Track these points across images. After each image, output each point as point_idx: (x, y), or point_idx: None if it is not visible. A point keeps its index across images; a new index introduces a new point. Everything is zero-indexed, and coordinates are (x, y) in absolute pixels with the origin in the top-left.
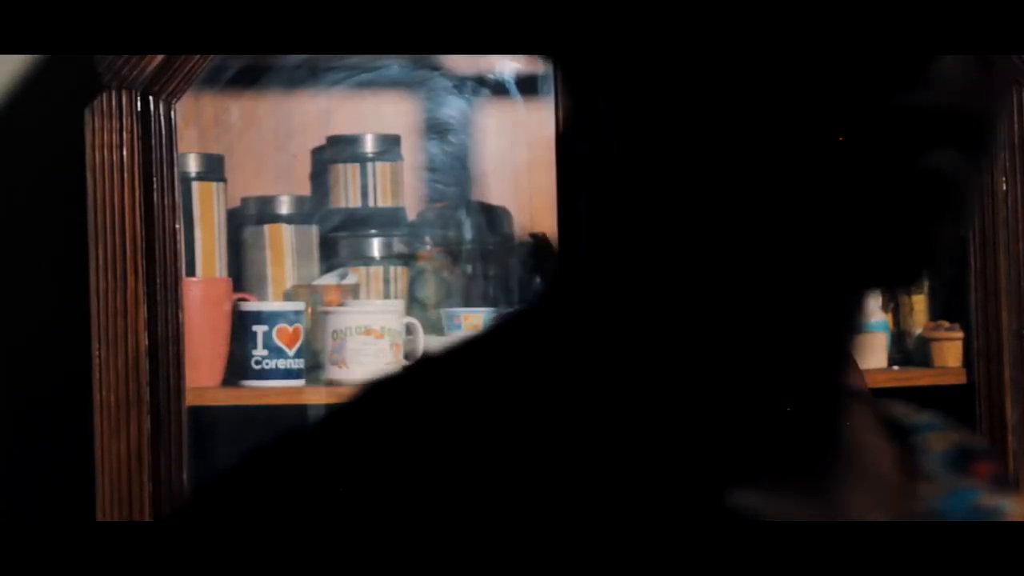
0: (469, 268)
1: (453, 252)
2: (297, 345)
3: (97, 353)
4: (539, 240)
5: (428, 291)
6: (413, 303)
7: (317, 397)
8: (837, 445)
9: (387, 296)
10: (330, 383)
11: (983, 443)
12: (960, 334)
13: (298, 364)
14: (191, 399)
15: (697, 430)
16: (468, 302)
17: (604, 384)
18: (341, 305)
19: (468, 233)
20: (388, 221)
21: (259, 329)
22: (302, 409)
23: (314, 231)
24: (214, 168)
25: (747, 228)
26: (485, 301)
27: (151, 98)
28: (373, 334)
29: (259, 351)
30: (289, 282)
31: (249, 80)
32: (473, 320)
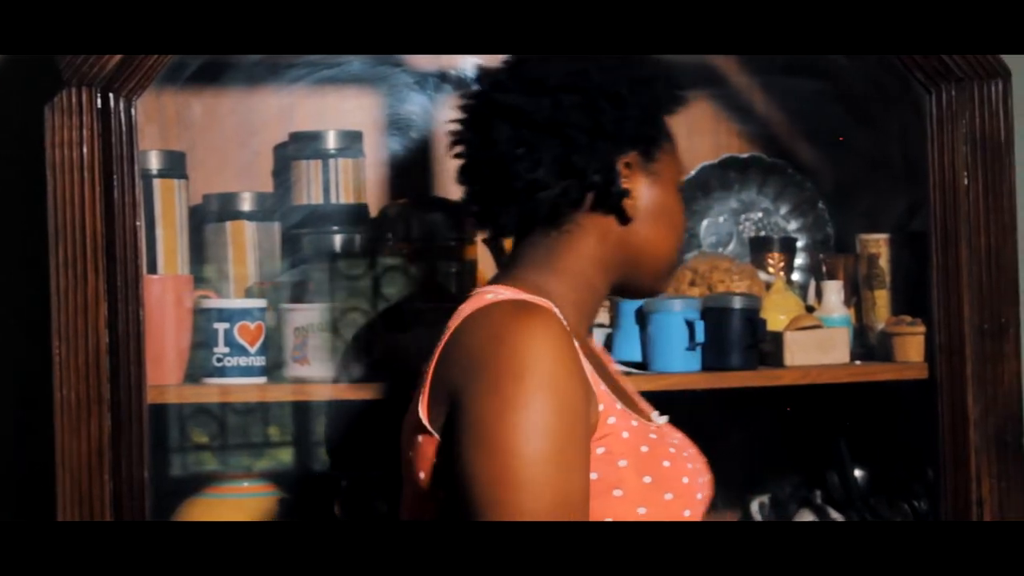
0: (433, 264)
1: (417, 248)
2: (259, 342)
3: (57, 351)
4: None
5: (394, 287)
6: (379, 300)
7: (279, 394)
8: None
9: (349, 293)
10: (292, 380)
11: None
12: (922, 329)
13: (260, 361)
14: (152, 397)
15: None
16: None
17: None
18: (303, 302)
19: (431, 229)
20: (350, 218)
21: (221, 326)
22: (264, 407)
23: (276, 228)
24: (176, 165)
25: None
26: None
27: (111, 95)
28: (335, 331)
29: (221, 348)
30: (251, 279)
31: (210, 77)
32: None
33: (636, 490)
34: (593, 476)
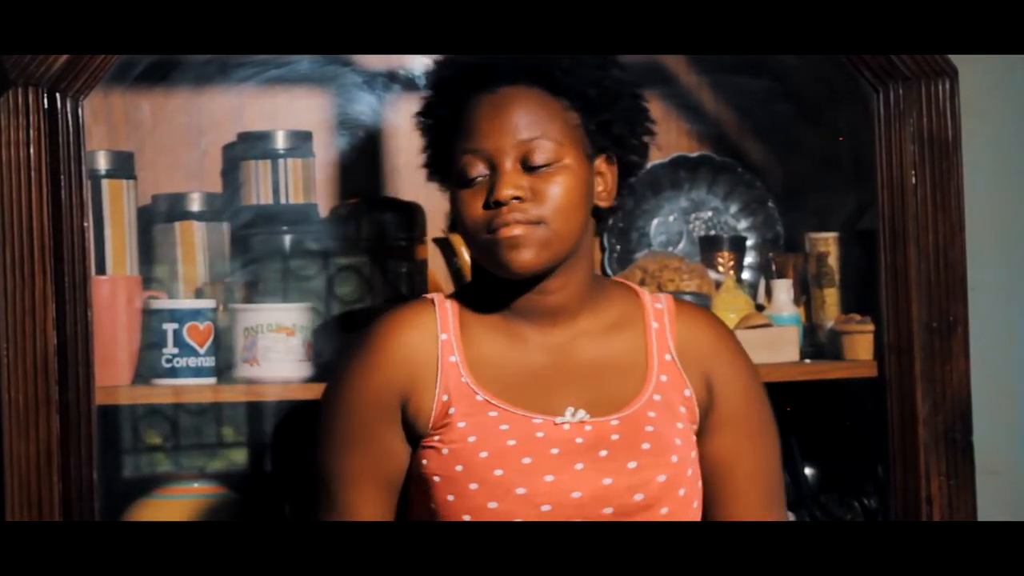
0: (384, 264)
1: (368, 249)
2: (208, 343)
3: (5, 352)
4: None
5: (347, 288)
6: (332, 300)
7: (229, 395)
8: None
9: (299, 293)
10: (242, 381)
11: None
12: (871, 327)
13: (209, 362)
14: (101, 398)
15: None
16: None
17: None
18: (252, 302)
19: (382, 229)
20: (300, 218)
21: (170, 327)
22: (216, 407)
23: (225, 228)
24: (124, 165)
25: None
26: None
27: (58, 95)
28: (284, 331)
29: (170, 349)
30: (200, 279)
31: (159, 76)
32: None
33: (448, 484)
34: (424, 463)
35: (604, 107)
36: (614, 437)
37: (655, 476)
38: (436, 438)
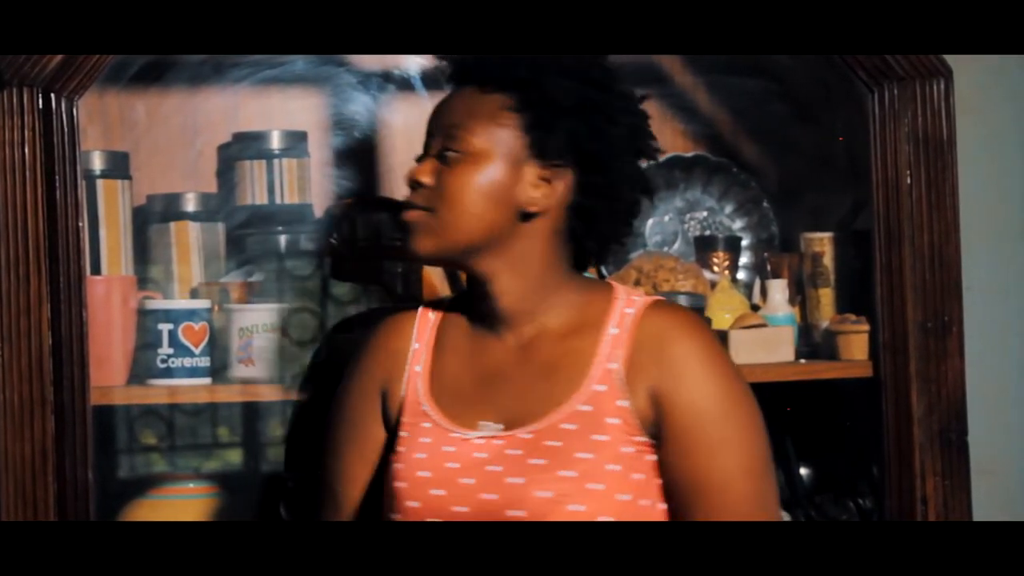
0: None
1: (362, 249)
2: (203, 343)
3: (0, 352)
4: None
5: (342, 288)
6: (328, 300)
7: (224, 395)
8: None
9: (295, 293)
10: (237, 381)
11: None
12: (866, 327)
13: (204, 362)
14: (96, 398)
15: None
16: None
17: None
18: (248, 303)
19: (377, 230)
20: (295, 218)
21: (165, 327)
22: (212, 407)
23: (220, 228)
24: (119, 165)
25: None
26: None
27: (53, 95)
28: (280, 331)
29: (165, 349)
30: (196, 280)
31: (153, 76)
32: None
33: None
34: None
35: (550, 117)
36: (511, 452)
37: (534, 491)
38: (397, 435)
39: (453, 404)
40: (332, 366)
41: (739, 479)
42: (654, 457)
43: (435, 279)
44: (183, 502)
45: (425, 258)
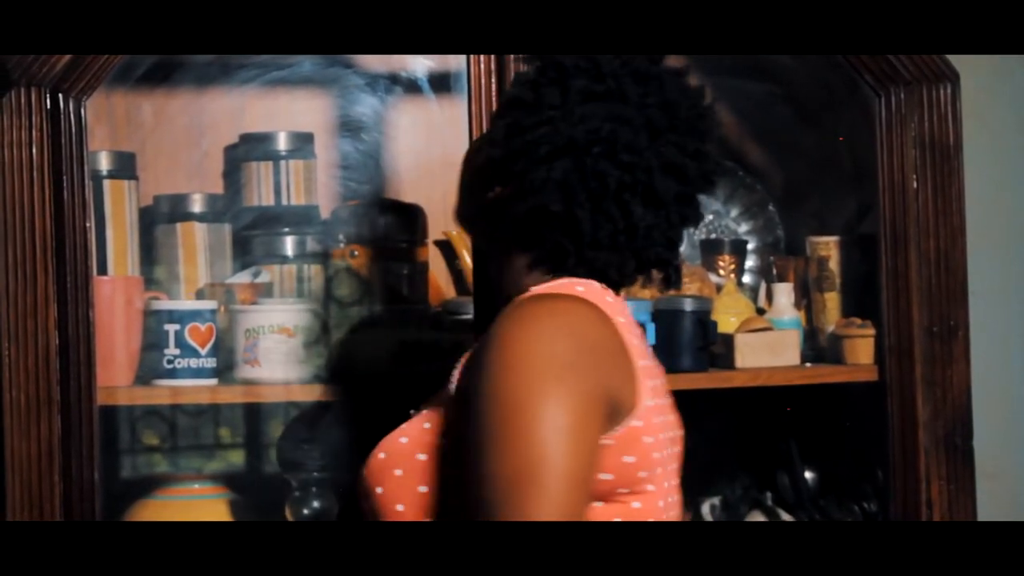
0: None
1: (368, 250)
2: (210, 344)
3: (6, 352)
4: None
5: (345, 289)
6: (330, 302)
7: (229, 396)
8: None
9: (301, 295)
10: (243, 382)
11: None
12: (872, 331)
13: (210, 363)
14: (102, 398)
15: None
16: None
17: None
18: (254, 304)
19: (383, 231)
20: (301, 219)
21: (171, 328)
22: (215, 408)
23: (227, 229)
24: (126, 166)
25: None
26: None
27: (60, 96)
28: (286, 332)
29: (171, 350)
30: (202, 280)
31: (161, 77)
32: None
33: None
34: None
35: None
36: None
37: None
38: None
39: None
40: (338, 366)
41: (482, 484)
42: None
43: (440, 281)
44: (188, 503)
45: None
